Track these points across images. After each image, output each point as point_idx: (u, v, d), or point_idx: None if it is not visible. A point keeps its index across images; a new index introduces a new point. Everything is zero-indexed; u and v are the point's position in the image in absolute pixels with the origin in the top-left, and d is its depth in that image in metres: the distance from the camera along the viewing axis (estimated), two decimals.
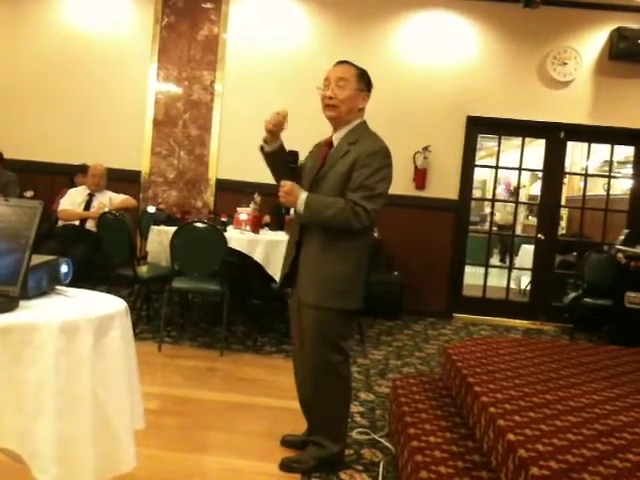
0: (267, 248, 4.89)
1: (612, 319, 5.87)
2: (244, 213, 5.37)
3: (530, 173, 9.88)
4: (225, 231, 5.02)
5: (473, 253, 7.59)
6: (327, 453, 2.88)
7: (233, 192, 6.60)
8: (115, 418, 1.76)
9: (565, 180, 8.38)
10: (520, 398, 2.62)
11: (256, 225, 5.28)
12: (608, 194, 7.26)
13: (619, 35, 6.59)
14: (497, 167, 7.57)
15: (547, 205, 7.16)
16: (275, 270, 4.92)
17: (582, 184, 7.84)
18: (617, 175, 8.21)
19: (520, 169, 7.32)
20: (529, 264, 7.38)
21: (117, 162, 6.65)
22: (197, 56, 6.98)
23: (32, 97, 7.04)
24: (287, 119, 2.78)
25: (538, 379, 2.97)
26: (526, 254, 7.96)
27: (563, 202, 8.08)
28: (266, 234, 5.31)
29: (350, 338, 2.99)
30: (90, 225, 5.89)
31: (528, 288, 7.58)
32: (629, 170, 7.58)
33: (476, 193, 9.83)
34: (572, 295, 6.48)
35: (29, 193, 6.47)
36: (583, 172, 8.07)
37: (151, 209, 6.41)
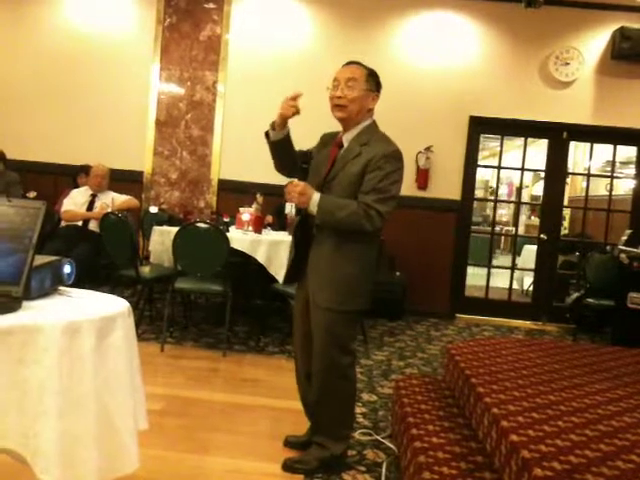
0: (269, 248, 4.89)
1: (615, 320, 5.86)
2: (246, 213, 5.37)
3: (532, 173, 9.87)
4: (227, 231, 5.02)
5: (475, 253, 7.57)
6: (330, 454, 2.88)
7: (235, 192, 6.61)
8: (118, 419, 1.76)
9: (568, 180, 8.37)
10: (523, 399, 2.62)
11: (258, 225, 5.28)
12: (611, 194, 7.25)
13: (622, 35, 6.58)
14: (499, 167, 7.57)
15: (550, 205, 7.15)
16: (277, 270, 4.93)
17: (585, 184, 7.84)
18: (620, 175, 8.21)
19: (522, 169, 7.31)
20: (532, 264, 7.37)
21: (119, 162, 6.67)
22: (199, 56, 6.99)
23: (35, 98, 7.05)
24: (298, 104, 2.78)
25: (541, 380, 2.97)
26: (529, 254, 7.95)
27: (565, 202, 8.07)
28: (268, 234, 5.31)
29: (355, 339, 2.98)
30: (93, 226, 5.89)
31: (531, 289, 7.57)
32: (632, 170, 7.57)
33: (478, 193, 9.83)
34: (575, 295, 6.47)
35: (32, 194, 6.47)
36: (586, 172, 8.07)
37: (153, 209, 6.41)
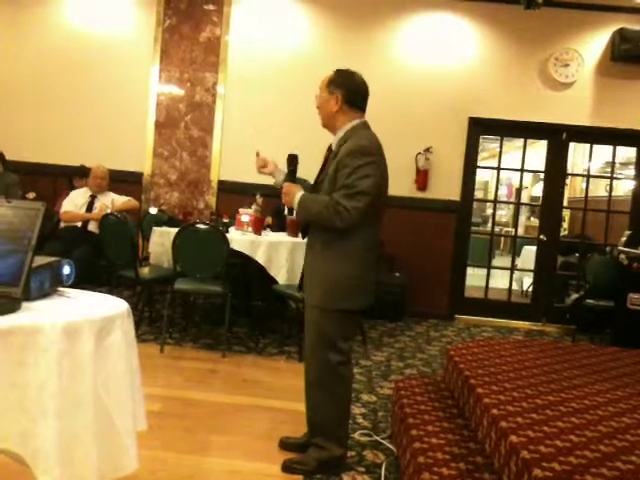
0: (269, 249, 4.90)
1: (614, 321, 5.85)
2: (246, 214, 5.37)
3: (532, 174, 9.87)
4: (227, 232, 5.02)
5: (475, 254, 7.57)
6: (329, 455, 2.89)
7: (235, 193, 6.61)
8: (117, 420, 1.76)
9: (567, 181, 8.37)
10: (522, 400, 2.62)
11: (258, 226, 5.28)
12: (610, 195, 7.26)
13: (621, 36, 6.59)
14: (499, 168, 7.56)
15: (549, 206, 7.15)
16: (277, 271, 4.93)
17: (584, 185, 7.83)
18: (619, 176, 8.21)
19: (522, 170, 7.31)
20: (531, 265, 7.37)
21: (119, 164, 6.67)
22: (199, 58, 6.99)
23: (34, 99, 7.05)
24: (265, 158, 3.06)
25: (540, 381, 2.97)
26: (528, 255, 7.95)
27: (565, 203, 8.07)
28: (268, 235, 5.32)
29: (351, 339, 2.99)
30: (92, 227, 5.89)
31: (530, 289, 7.57)
32: (631, 171, 7.58)
33: (478, 194, 9.83)
34: (574, 296, 6.47)
35: (31, 195, 6.47)
36: (585, 173, 8.07)
37: (153, 210, 6.41)
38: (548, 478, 1.89)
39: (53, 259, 1.94)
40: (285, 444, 3.13)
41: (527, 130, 6.98)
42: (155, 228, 5.35)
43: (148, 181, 7.06)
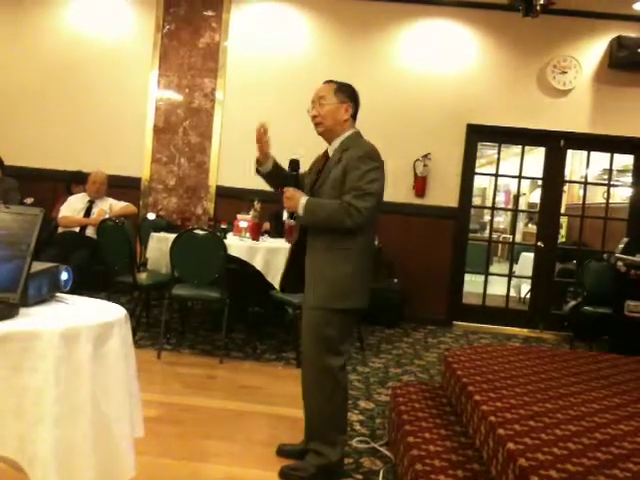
0: (267, 255, 4.89)
1: (612, 327, 5.86)
2: (244, 220, 5.37)
3: (530, 181, 9.88)
4: (225, 238, 5.02)
5: (473, 261, 7.58)
6: (327, 461, 2.88)
7: (233, 199, 6.60)
8: (115, 426, 1.76)
9: (565, 188, 8.39)
10: (520, 407, 2.62)
11: (256, 232, 5.28)
12: (608, 202, 7.27)
13: (619, 44, 6.61)
14: (497, 175, 7.57)
15: (547, 213, 7.16)
16: (275, 277, 4.92)
17: (582, 192, 7.85)
18: (617, 183, 8.22)
19: (520, 177, 7.32)
20: (529, 272, 7.38)
21: (117, 169, 6.67)
22: (198, 63, 7.00)
23: (33, 104, 7.05)
24: (267, 132, 2.99)
25: (538, 388, 2.97)
26: (526, 262, 7.95)
27: (563, 210, 8.08)
28: (266, 241, 5.32)
29: (348, 341, 3.00)
30: (90, 232, 5.88)
31: (528, 296, 7.58)
32: (628, 178, 7.60)
33: (476, 201, 9.84)
34: (572, 303, 6.47)
35: (29, 200, 6.46)
36: (583, 180, 8.08)
37: (151, 216, 6.41)
38: None
39: (51, 265, 1.94)
40: (283, 451, 3.12)
41: (525, 137, 6.99)
42: (153, 234, 5.34)
43: (146, 186, 7.07)
